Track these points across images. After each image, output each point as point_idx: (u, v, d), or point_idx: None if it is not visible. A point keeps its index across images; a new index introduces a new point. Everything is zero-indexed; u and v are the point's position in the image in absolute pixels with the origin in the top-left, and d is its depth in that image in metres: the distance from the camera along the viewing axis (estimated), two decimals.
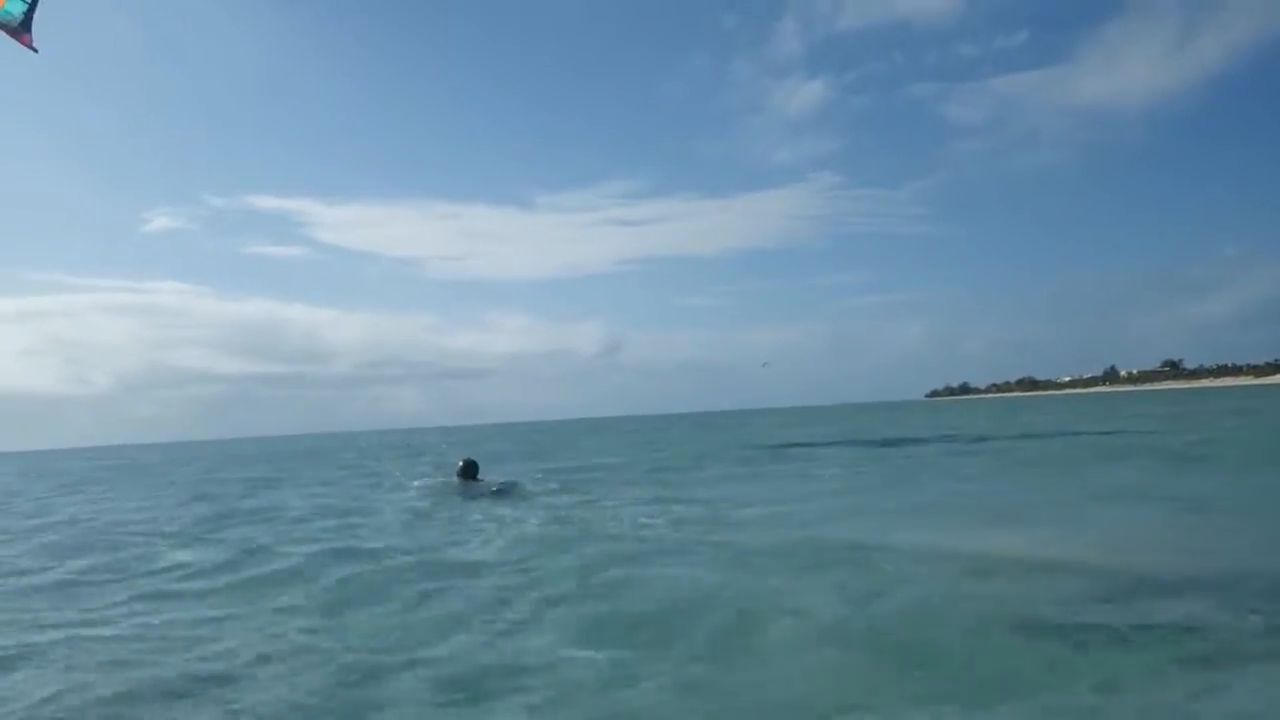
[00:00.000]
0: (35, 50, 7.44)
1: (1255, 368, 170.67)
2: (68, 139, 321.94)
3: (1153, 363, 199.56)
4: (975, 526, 10.93)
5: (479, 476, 19.13)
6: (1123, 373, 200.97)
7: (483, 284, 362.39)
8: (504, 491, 17.56)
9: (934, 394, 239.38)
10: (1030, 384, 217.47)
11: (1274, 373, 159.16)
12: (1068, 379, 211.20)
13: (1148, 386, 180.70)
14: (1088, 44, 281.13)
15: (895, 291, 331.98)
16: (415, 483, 20.55)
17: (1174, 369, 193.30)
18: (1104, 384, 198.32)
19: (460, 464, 19.52)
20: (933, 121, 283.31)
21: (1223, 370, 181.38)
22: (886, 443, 32.06)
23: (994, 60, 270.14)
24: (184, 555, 11.46)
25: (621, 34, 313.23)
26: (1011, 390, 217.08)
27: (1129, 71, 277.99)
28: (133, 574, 10.20)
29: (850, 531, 10.54)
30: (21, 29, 7.34)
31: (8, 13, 7.30)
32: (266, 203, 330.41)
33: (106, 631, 7.37)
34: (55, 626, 7.61)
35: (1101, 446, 25.09)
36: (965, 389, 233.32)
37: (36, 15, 7.36)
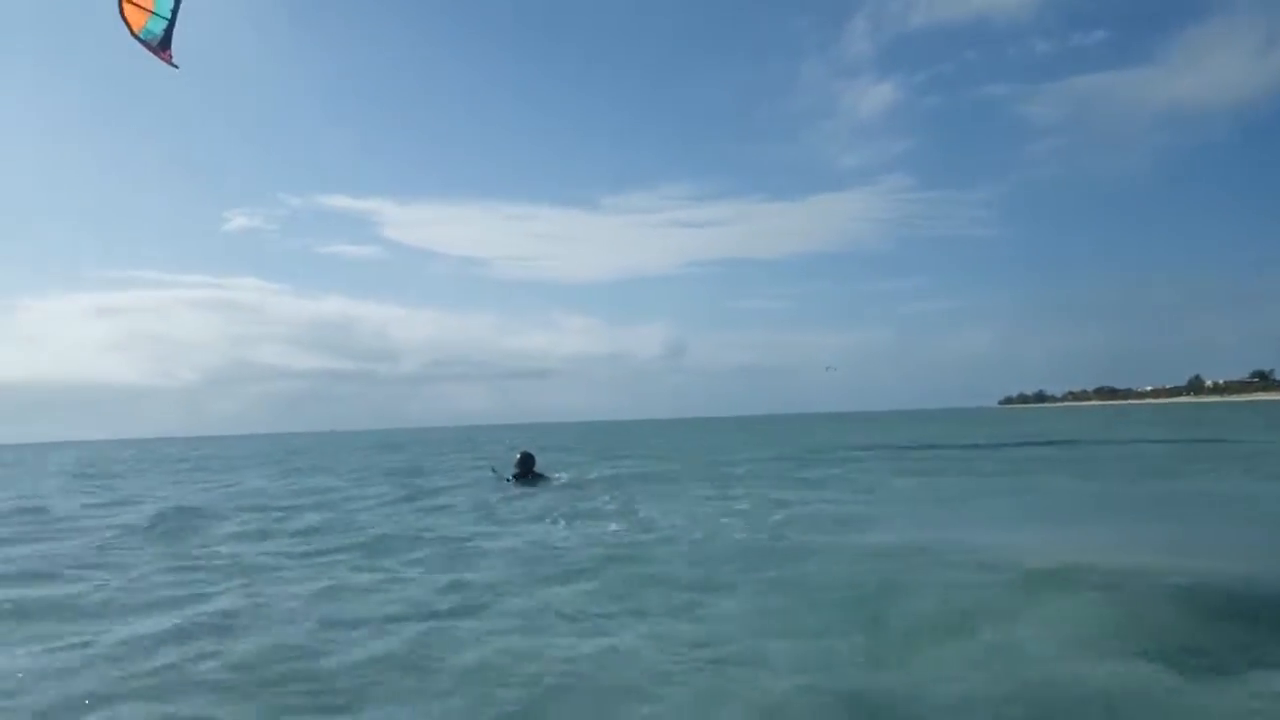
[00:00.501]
0: (175, 66, 7.72)
1: None
2: (154, 142, 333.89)
3: (1241, 373, 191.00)
4: None
5: (537, 471, 19.72)
6: (1208, 382, 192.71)
7: (547, 285, 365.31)
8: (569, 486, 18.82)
9: (1008, 401, 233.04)
10: (1109, 393, 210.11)
11: None
12: (1149, 388, 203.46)
13: (1236, 398, 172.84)
14: (1169, 45, 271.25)
15: (965, 296, 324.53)
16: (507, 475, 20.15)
17: (1264, 380, 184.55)
18: (1188, 394, 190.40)
19: (517, 457, 20.06)
20: (1006, 122, 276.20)
21: None
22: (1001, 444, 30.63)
23: (1071, 60, 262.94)
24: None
25: (691, 37, 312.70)
26: (1089, 399, 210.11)
27: (1214, 74, 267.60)
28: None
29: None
30: (161, 46, 7.65)
31: (150, 31, 7.61)
32: (340, 202, 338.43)
33: None
34: None
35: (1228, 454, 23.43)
36: (1041, 397, 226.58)
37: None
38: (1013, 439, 35.71)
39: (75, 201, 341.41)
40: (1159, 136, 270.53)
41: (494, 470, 20.84)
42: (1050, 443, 31.82)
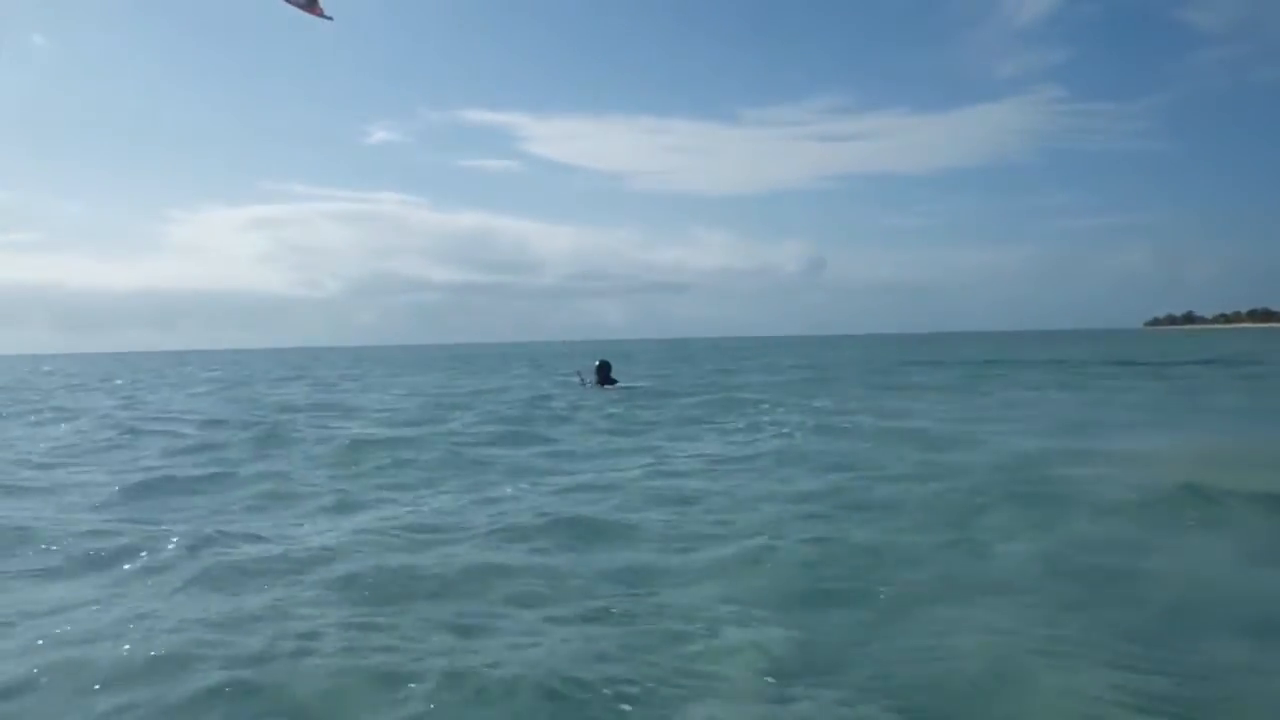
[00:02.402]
0: (329, 18, 7.92)
1: None
2: (297, 60, 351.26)
3: None
4: None
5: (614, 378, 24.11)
6: None
7: (686, 199, 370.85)
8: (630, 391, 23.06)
9: (1154, 322, 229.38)
10: (1265, 315, 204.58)
11: None
12: None
13: None
14: None
15: (1117, 213, 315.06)
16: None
17: None
18: None
19: (596, 364, 24.75)
20: (1171, 30, 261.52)
21: None
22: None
23: None
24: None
25: None
26: (1242, 320, 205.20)
27: None
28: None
29: None
30: (310, 3, 7.94)
31: None
32: (479, 116, 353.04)
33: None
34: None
35: None
36: (1189, 318, 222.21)
37: None
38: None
39: (222, 121, 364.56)
40: None
41: (580, 376, 25.44)
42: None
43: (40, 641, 4.81)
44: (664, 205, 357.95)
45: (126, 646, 4.65)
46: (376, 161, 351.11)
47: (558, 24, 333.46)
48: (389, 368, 56.85)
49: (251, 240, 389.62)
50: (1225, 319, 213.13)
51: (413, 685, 4.12)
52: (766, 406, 18.82)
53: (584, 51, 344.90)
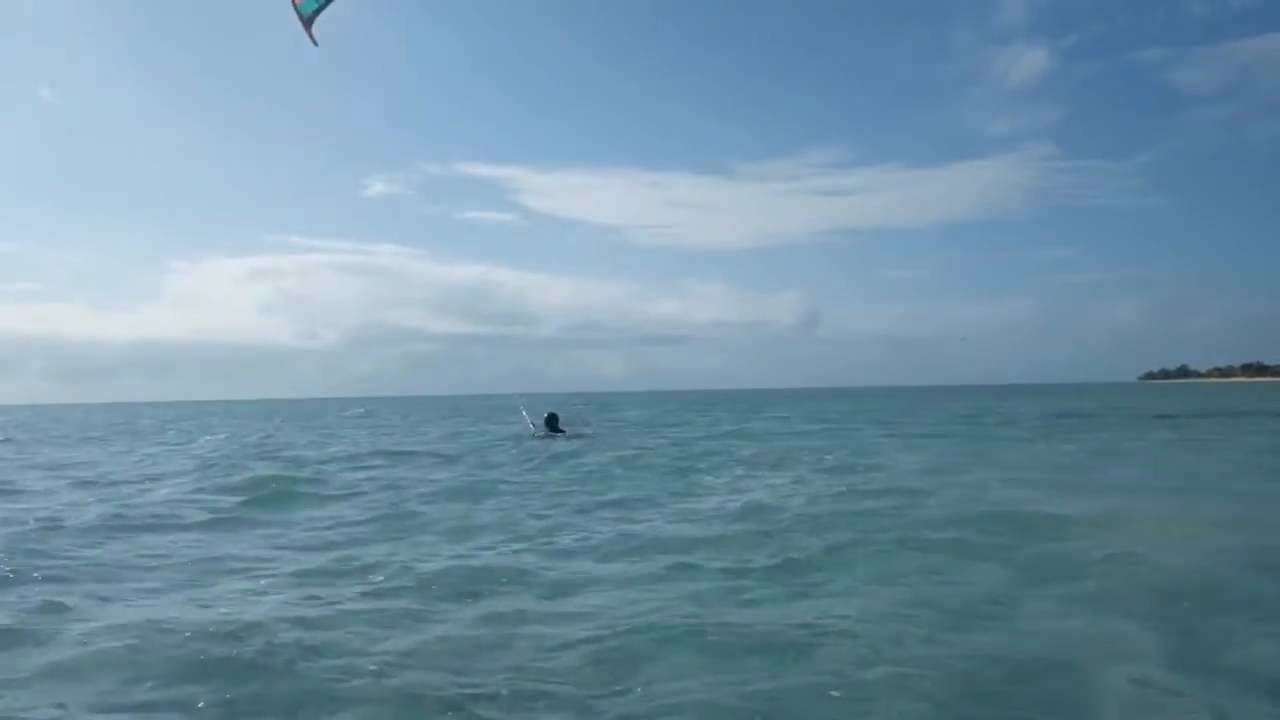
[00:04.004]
0: (315, 43, 8.32)
1: None
2: (299, 113, 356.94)
3: None
4: None
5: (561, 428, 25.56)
6: None
7: (684, 252, 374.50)
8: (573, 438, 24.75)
9: (1149, 376, 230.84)
10: (1258, 369, 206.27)
11: None
12: None
13: None
14: None
15: (1111, 268, 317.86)
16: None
17: None
18: None
19: (545, 416, 26.07)
20: (1163, 89, 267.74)
21: None
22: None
23: (1231, 23, 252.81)
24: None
25: (836, 4, 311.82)
26: (1235, 375, 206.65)
27: None
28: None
29: None
30: (307, 23, 8.35)
31: (308, 5, 8.34)
32: (477, 170, 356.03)
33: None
34: None
35: None
36: (1184, 372, 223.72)
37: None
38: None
39: (223, 171, 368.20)
40: None
41: (533, 425, 26.73)
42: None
43: None
44: (661, 258, 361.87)
45: None
46: (376, 214, 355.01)
47: (556, 79, 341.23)
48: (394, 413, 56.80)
49: (251, 291, 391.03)
50: (1219, 373, 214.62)
51: None
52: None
53: (582, 106, 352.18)
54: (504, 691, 4.78)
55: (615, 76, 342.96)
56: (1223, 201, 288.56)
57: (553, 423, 25.82)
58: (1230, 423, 31.80)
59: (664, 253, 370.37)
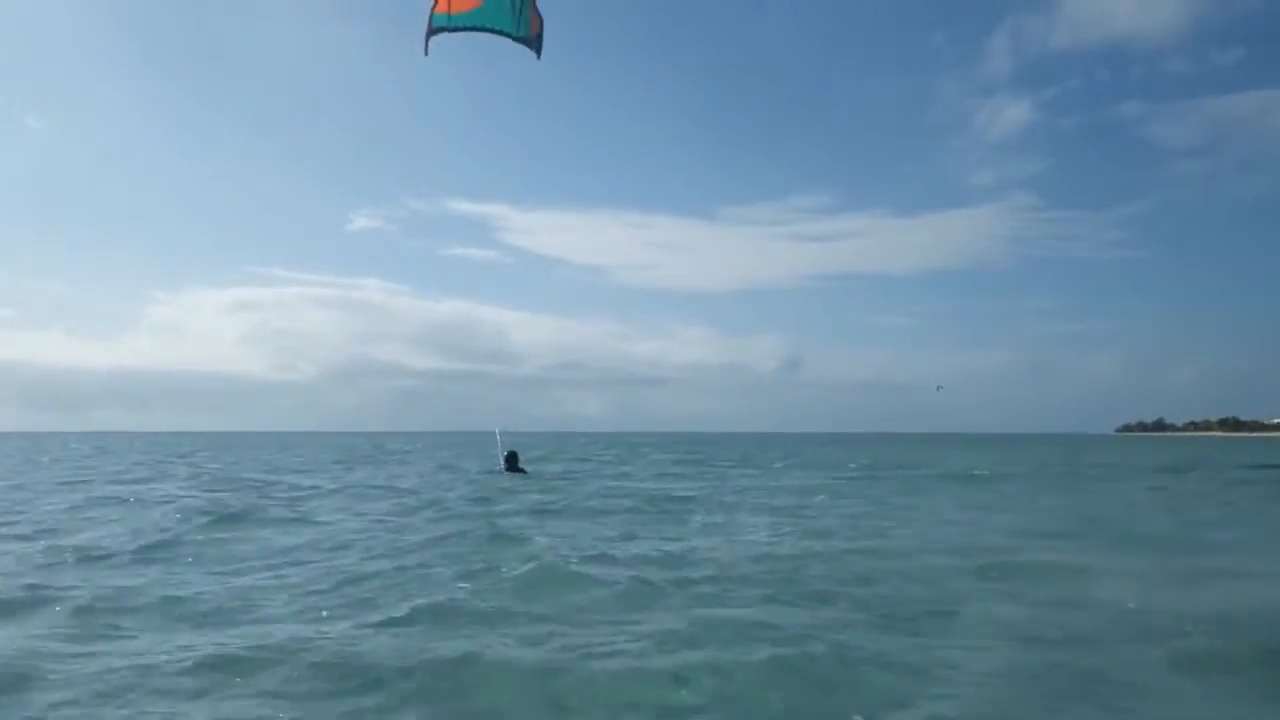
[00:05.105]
0: (425, 54, 8.57)
1: None
2: (286, 145, 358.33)
3: None
4: None
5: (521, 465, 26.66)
6: None
7: (666, 293, 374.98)
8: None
9: (1126, 428, 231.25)
10: (1234, 424, 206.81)
11: None
12: (1277, 420, 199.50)
13: None
14: None
15: (1091, 319, 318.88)
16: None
17: None
18: None
19: (506, 453, 26.87)
20: (1142, 143, 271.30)
21: None
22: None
23: (1208, 80, 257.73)
24: None
25: (824, 53, 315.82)
26: (1211, 429, 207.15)
27: None
28: None
29: None
30: (430, 33, 8.61)
31: (439, 20, 8.58)
32: (463, 206, 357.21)
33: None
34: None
35: None
36: (1160, 425, 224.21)
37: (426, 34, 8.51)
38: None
39: (208, 202, 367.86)
40: None
41: (502, 460, 27.28)
42: None
43: None
44: (644, 299, 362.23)
45: None
46: (360, 248, 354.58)
47: (541, 117, 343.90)
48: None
49: (232, 323, 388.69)
50: (1195, 426, 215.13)
51: None
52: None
53: (567, 145, 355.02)
54: None
55: (598, 116, 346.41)
56: (1201, 256, 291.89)
57: (512, 461, 26.61)
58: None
59: (646, 294, 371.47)
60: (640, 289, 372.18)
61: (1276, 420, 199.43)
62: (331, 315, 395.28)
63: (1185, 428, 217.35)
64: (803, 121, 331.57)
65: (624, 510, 16.93)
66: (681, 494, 21.56)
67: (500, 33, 8.63)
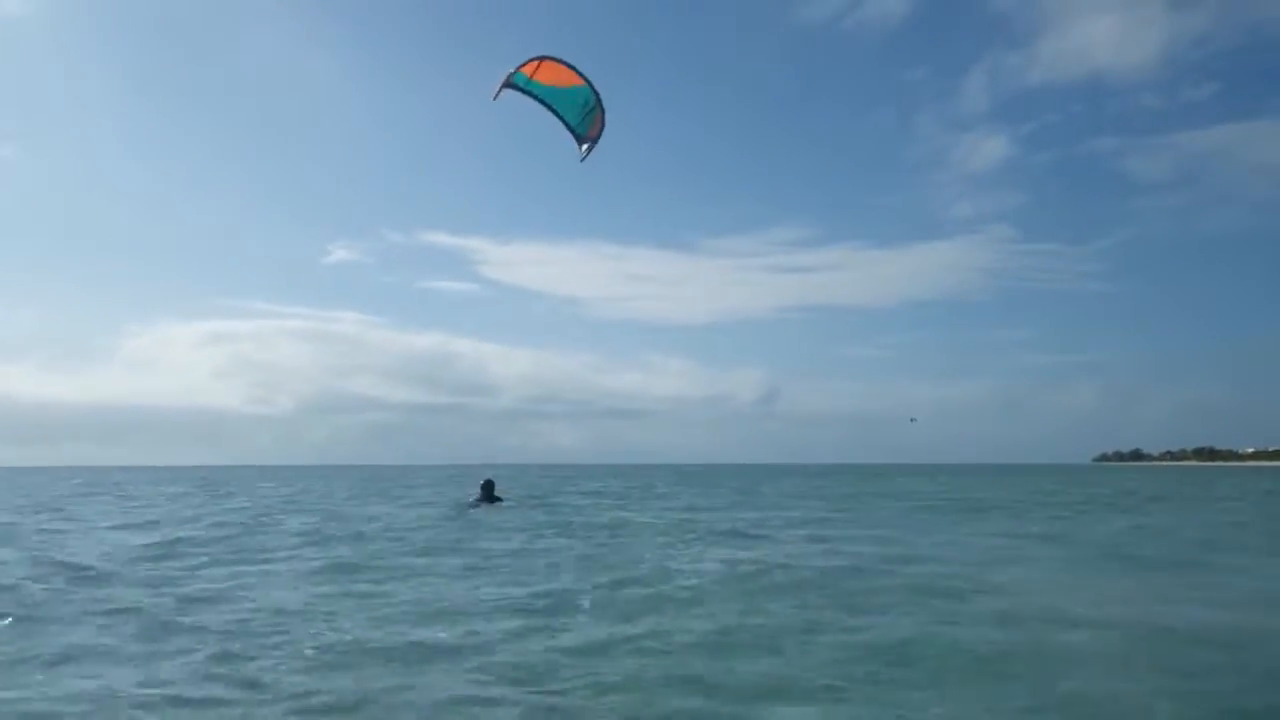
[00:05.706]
0: (493, 99, 8.92)
1: None
2: (264, 177, 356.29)
3: None
4: None
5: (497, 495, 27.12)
6: None
7: (644, 326, 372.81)
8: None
9: (1103, 458, 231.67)
10: (1209, 454, 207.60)
11: None
12: (1251, 450, 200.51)
13: None
14: None
15: (1067, 351, 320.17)
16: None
17: None
18: None
19: (482, 483, 27.38)
20: (1117, 178, 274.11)
21: None
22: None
23: (1181, 115, 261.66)
24: None
25: (803, 86, 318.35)
26: (1188, 459, 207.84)
27: None
28: None
29: None
30: (504, 84, 9.03)
31: (520, 79, 8.92)
32: (441, 239, 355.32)
33: None
34: None
35: None
36: (1137, 455, 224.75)
37: None
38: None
39: (184, 234, 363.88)
40: (1274, 193, 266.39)
41: (481, 492, 27.61)
42: None
43: None
44: (622, 331, 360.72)
45: None
46: (337, 280, 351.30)
47: (519, 150, 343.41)
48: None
49: (207, 356, 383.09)
50: (1171, 456, 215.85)
51: None
52: None
53: (545, 177, 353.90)
54: None
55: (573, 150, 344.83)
56: (1176, 288, 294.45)
57: (488, 490, 26.93)
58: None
59: (625, 325, 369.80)
60: (619, 321, 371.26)
61: (1251, 450, 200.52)
62: (308, 348, 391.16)
63: (1162, 457, 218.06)
64: (782, 154, 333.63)
65: None
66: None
67: (564, 120, 9.07)
